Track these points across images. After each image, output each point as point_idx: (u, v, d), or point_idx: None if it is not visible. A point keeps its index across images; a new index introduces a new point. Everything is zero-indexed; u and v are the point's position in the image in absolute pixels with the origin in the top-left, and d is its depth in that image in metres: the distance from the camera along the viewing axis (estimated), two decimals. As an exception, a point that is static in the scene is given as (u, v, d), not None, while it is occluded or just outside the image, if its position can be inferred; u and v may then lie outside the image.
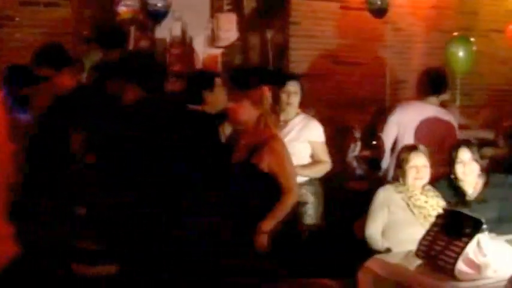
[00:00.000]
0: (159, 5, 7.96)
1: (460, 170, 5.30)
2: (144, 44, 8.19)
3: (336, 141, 7.48)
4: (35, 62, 5.48)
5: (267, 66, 8.80)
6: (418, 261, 4.32)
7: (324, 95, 9.28)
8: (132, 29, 8.12)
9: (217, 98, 5.50)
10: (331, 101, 9.29)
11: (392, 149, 6.25)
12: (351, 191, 6.94)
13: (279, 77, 6.18)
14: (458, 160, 5.31)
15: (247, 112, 5.02)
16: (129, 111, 4.68)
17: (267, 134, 5.06)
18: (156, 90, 4.75)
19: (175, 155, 4.45)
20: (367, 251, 5.01)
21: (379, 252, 4.94)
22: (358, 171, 7.17)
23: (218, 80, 5.57)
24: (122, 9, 8.09)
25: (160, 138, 4.51)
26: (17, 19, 8.36)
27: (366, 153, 7.55)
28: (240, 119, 5.05)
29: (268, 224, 4.81)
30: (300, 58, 9.45)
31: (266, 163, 4.88)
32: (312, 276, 4.48)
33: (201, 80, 5.67)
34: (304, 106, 6.46)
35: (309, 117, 6.20)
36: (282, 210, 4.88)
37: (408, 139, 6.08)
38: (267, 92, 5.40)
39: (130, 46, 7.95)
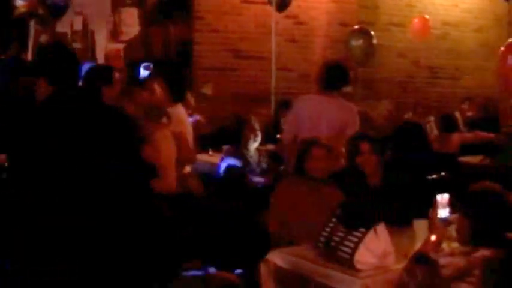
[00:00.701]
0: (59, -1, 7.85)
1: (360, 161, 5.38)
2: (44, 38, 8.05)
3: (237, 134, 7.51)
4: None
5: (165, 60, 8.78)
6: (319, 253, 4.36)
7: (227, 89, 9.33)
8: (32, 23, 7.97)
9: (116, 93, 5.45)
10: (233, 95, 9.35)
11: (293, 142, 6.29)
12: (253, 184, 6.95)
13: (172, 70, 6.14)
14: (358, 151, 5.39)
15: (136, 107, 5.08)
16: (41, 107, 4.53)
17: (153, 126, 5.13)
18: (68, 84, 4.62)
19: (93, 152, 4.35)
20: (269, 243, 5.04)
21: (280, 244, 4.97)
22: (262, 165, 7.19)
23: (117, 75, 5.52)
24: (19, 3, 7.94)
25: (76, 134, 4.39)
26: None
27: (270, 147, 7.59)
28: (132, 113, 5.03)
29: None
30: (203, 52, 9.46)
31: (145, 153, 4.92)
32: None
33: (98, 75, 5.58)
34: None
35: None
36: None
37: (308, 132, 6.13)
38: (156, 85, 5.47)
39: (30, 40, 7.80)
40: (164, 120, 5.32)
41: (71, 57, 4.34)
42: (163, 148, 5.14)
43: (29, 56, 7.69)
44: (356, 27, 9.76)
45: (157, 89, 5.44)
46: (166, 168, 5.10)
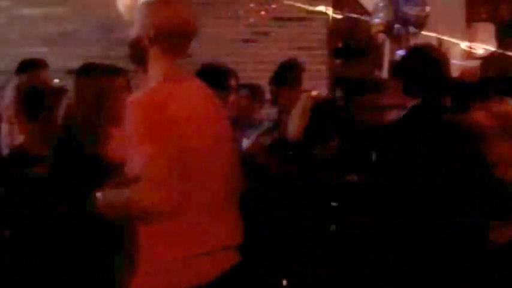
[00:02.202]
0: (415, 16, 7.83)
1: None
2: (398, 56, 8.08)
3: None
4: None
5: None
6: None
7: None
8: (387, 41, 8.04)
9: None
10: None
11: None
12: None
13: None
14: None
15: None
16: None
17: None
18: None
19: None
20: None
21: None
22: None
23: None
24: (376, 22, 8.04)
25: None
26: (272, 34, 8.57)
27: None
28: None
29: None
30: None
31: None
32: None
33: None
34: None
35: None
36: None
37: None
38: None
39: (386, 58, 7.87)
40: None
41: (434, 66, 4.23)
42: None
43: (384, 74, 7.76)
44: None
45: None
46: None
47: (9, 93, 4.38)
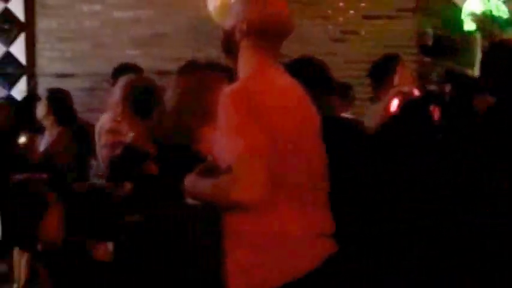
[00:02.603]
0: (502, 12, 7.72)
1: None
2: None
3: None
4: None
5: None
6: None
7: None
8: (479, 38, 7.91)
9: None
10: None
11: None
12: None
13: None
14: None
15: None
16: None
17: None
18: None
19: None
20: None
21: None
22: None
23: None
24: (468, 19, 7.92)
25: None
26: (362, 33, 8.54)
27: None
28: None
29: None
30: None
31: None
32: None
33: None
34: None
35: None
36: None
37: None
38: None
39: (478, 56, 7.73)
40: None
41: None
42: None
43: (476, 72, 7.63)
44: None
45: None
46: None
47: (117, 91, 4.41)
